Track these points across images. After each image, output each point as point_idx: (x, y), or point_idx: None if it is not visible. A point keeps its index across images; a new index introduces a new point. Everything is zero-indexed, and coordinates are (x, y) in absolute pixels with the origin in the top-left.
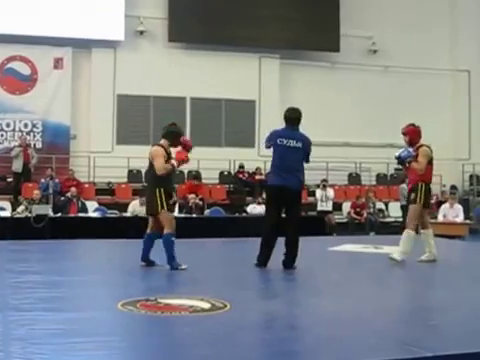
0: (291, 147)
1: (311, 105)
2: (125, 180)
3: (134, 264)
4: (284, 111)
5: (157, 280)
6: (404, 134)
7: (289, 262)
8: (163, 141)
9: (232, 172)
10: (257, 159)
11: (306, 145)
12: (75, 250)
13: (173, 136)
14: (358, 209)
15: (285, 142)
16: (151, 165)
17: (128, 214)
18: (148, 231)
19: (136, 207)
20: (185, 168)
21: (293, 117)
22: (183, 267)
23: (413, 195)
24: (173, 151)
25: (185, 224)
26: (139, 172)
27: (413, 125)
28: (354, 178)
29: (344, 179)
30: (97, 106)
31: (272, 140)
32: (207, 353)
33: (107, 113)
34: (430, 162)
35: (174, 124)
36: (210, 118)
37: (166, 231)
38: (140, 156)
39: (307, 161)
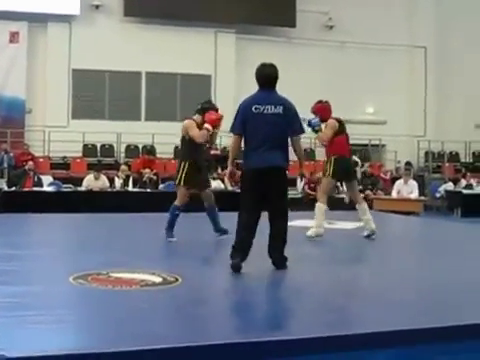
0: (270, 114)
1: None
2: (80, 155)
3: (88, 238)
4: (255, 71)
5: (110, 255)
6: (314, 113)
7: (279, 260)
8: (196, 116)
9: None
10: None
11: (288, 109)
12: (28, 224)
13: (206, 111)
14: (313, 184)
15: (262, 109)
16: (182, 139)
17: (83, 188)
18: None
19: (90, 181)
20: (139, 142)
21: (268, 75)
22: (172, 239)
23: (325, 168)
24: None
25: (139, 198)
26: (94, 146)
27: (321, 102)
28: (309, 153)
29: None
30: (53, 80)
31: (245, 114)
32: (156, 327)
33: (62, 87)
34: (345, 135)
35: (209, 101)
36: (165, 93)
37: (175, 203)
38: (95, 131)
39: (297, 131)
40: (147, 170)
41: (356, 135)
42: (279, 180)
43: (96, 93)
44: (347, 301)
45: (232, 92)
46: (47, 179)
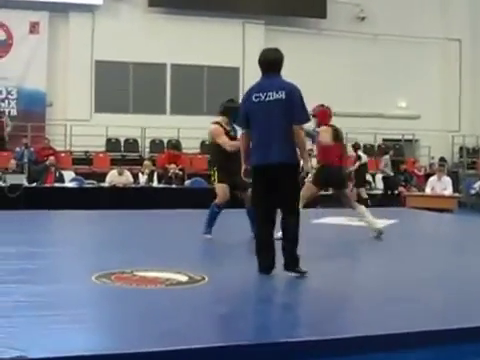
0: (272, 101)
1: (297, 73)
2: (103, 149)
3: (111, 236)
4: (258, 57)
5: (134, 253)
6: (314, 116)
7: (288, 261)
8: (221, 118)
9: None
10: None
11: (292, 94)
12: (50, 221)
13: (232, 112)
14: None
15: (263, 96)
16: (210, 145)
17: (106, 184)
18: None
19: (114, 177)
20: (164, 137)
21: (270, 59)
22: (208, 236)
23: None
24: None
25: (164, 194)
26: (117, 141)
27: (323, 106)
28: None
29: None
30: (74, 72)
31: (247, 105)
32: (181, 327)
33: (85, 80)
34: (340, 143)
35: (232, 100)
36: (191, 85)
37: (215, 201)
38: (119, 124)
39: (301, 119)
40: (172, 165)
41: (388, 130)
42: (283, 178)
43: (120, 86)
44: (376, 301)
45: None
46: (69, 175)
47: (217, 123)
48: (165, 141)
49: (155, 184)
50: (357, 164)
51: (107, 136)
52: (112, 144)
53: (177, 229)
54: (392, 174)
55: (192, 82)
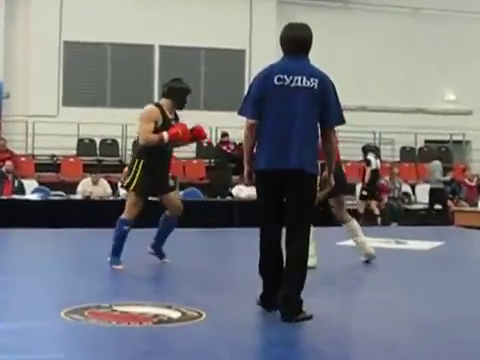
0: (299, 88)
1: (318, 57)
2: (74, 153)
3: (84, 260)
4: (280, 33)
5: (113, 281)
6: None
7: (288, 304)
8: (164, 101)
9: (214, 143)
10: None
11: (326, 86)
12: (7, 242)
13: (179, 94)
14: (376, 192)
15: (289, 80)
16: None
17: (78, 196)
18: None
19: (87, 187)
20: None
21: (298, 37)
22: (119, 267)
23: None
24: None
25: (151, 209)
26: (92, 142)
27: None
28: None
29: (358, 154)
30: (38, 57)
31: (264, 87)
32: None
33: (51, 66)
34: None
35: (179, 79)
36: (185, 72)
37: (122, 216)
38: (94, 121)
39: (338, 120)
40: None
41: (432, 129)
42: (299, 190)
43: (95, 73)
44: (438, 343)
45: None
46: (31, 184)
47: (157, 106)
48: None
49: None
50: (368, 171)
51: (79, 136)
52: (85, 146)
53: (167, 252)
54: (442, 185)
55: (186, 68)
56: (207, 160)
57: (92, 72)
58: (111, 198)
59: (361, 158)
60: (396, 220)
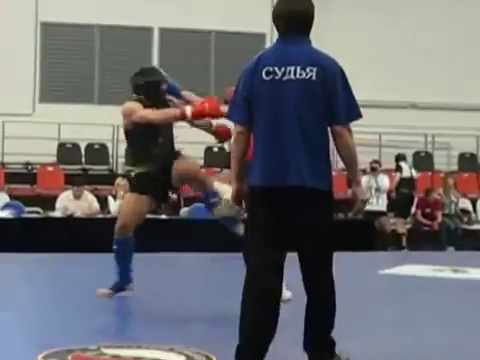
0: (293, 82)
1: (354, 42)
2: (53, 160)
3: (67, 291)
4: (273, 8)
5: (101, 317)
6: (225, 102)
7: (317, 347)
8: (136, 99)
9: (226, 147)
10: None
11: (329, 74)
12: None
13: (148, 89)
14: (429, 209)
15: (280, 73)
16: (126, 134)
17: (57, 213)
18: None
19: (68, 202)
20: None
21: (293, 12)
22: (128, 293)
23: None
24: None
25: (151, 229)
26: (76, 147)
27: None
28: (423, 160)
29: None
30: (8, 42)
31: (250, 84)
32: None
33: (26, 53)
34: None
35: (143, 70)
36: (192, 61)
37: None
38: (78, 121)
39: (349, 115)
40: None
41: None
42: (307, 212)
43: (79, 62)
44: None
45: None
46: (1, 198)
47: (140, 102)
48: None
49: None
50: (397, 177)
51: (59, 139)
52: (67, 152)
53: (168, 281)
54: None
55: (192, 56)
56: (218, 169)
57: (76, 61)
58: (99, 216)
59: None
60: (453, 243)
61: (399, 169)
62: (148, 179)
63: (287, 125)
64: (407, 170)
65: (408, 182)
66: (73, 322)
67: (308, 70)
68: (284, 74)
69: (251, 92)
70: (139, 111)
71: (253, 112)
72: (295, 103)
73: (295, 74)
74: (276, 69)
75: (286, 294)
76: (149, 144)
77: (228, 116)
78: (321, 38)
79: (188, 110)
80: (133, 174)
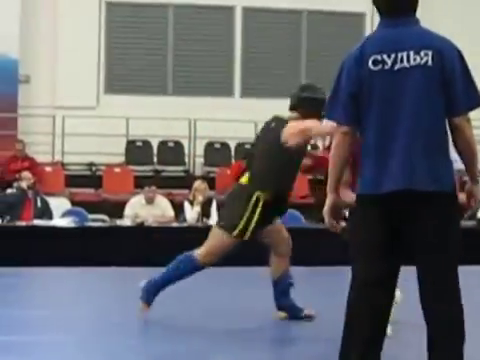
0: (408, 70)
1: (470, 25)
2: (122, 160)
3: (131, 311)
4: None
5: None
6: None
7: None
8: (289, 115)
9: (320, 145)
10: None
11: (448, 57)
12: (29, 285)
13: (314, 105)
14: None
15: (390, 61)
16: (269, 152)
17: (126, 222)
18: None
19: (139, 208)
20: (231, 137)
21: None
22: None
23: None
24: None
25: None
26: (147, 144)
27: None
28: None
29: None
30: (69, 24)
31: (356, 77)
32: None
33: (88, 35)
34: None
35: (309, 86)
36: (280, 46)
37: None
38: (150, 116)
39: (470, 103)
40: None
41: None
42: (434, 219)
43: (152, 46)
44: None
45: None
46: (60, 204)
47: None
48: (233, 145)
49: (214, 222)
50: None
51: (128, 136)
52: (137, 150)
53: (252, 299)
54: None
55: (281, 39)
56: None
57: (147, 45)
58: (174, 225)
59: None
60: None
61: None
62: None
63: (404, 122)
64: None
65: None
66: (143, 348)
67: (423, 54)
68: (395, 62)
69: (357, 86)
70: (298, 124)
71: (362, 110)
72: (412, 95)
73: (409, 60)
74: (385, 57)
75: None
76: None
77: (329, 116)
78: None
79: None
80: (255, 198)
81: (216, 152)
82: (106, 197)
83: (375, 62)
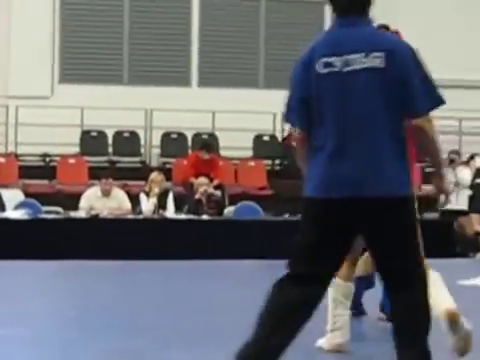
0: (358, 72)
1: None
2: (76, 150)
3: (90, 308)
4: None
5: (130, 339)
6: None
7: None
8: None
9: (278, 136)
10: None
11: (401, 58)
12: None
13: None
14: None
15: (340, 64)
16: None
17: (81, 213)
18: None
19: (94, 200)
20: (187, 127)
21: None
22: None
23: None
24: None
25: (188, 232)
26: (102, 135)
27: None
28: None
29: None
30: (21, 10)
31: (305, 81)
32: None
33: (43, 26)
34: None
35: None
36: (237, 34)
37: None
38: (105, 106)
39: (427, 104)
40: (202, 180)
41: None
42: (390, 224)
43: (107, 34)
44: None
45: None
46: (13, 196)
47: None
48: (190, 135)
49: (171, 214)
50: (472, 167)
51: (83, 126)
52: (92, 141)
53: (208, 296)
54: None
55: (238, 27)
56: (269, 161)
57: (102, 34)
58: (130, 216)
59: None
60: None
61: (471, 158)
62: None
63: (357, 126)
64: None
65: None
66: (94, 343)
67: (374, 55)
68: (345, 64)
69: (309, 92)
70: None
71: (314, 114)
72: (362, 98)
73: (358, 63)
74: (334, 60)
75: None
76: None
77: (286, 119)
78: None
79: None
80: None
81: (173, 143)
82: (60, 188)
83: (325, 65)
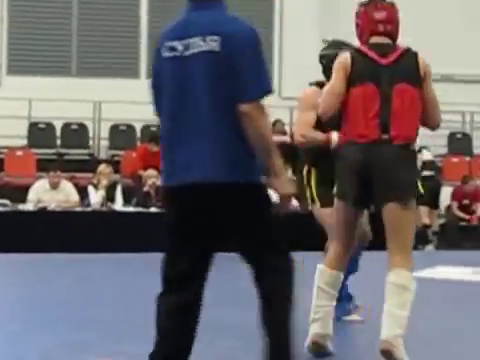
0: (196, 56)
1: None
2: (24, 143)
3: (36, 301)
4: None
5: (76, 332)
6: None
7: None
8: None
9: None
10: (279, 105)
11: (236, 43)
12: None
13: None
14: (467, 201)
15: (181, 48)
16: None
17: (28, 206)
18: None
19: (42, 193)
20: (136, 119)
21: None
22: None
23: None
24: None
25: (140, 224)
26: (50, 127)
27: None
28: (459, 142)
29: (442, 144)
30: None
31: (154, 66)
32: None
33: None
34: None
35: (334, 42)
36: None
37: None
38: (53, 98)
39: (255, 92)
40: (151, 172)
41: None
42: (235, 212)
43: (55, 27)
44: None
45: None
46: None
47: (317, 84)
48: (138, 127)
49: (119, 206)
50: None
51: (31, 118)
52: (40, 133)
53: (152, 288)
54: None
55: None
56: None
57: (51, 25)
58: (78, 209)
59: (446, 151)
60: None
61: (419, 150)
62: None
63: (191, 110)
64: (427, 154)
65: (431, 165)
66: (42, 338)
67: (210, 39)
68: (186, 48)
69: (157, 77)
70: (300, 115)
71: (160, 98)
72: (199, 82)
73: (196, 46)
74: (177, 43)
75: None
76: None
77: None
78: None
79: (335, 137)
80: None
81: (121, 135)
82: (8, 181)
83: (169, 49)
